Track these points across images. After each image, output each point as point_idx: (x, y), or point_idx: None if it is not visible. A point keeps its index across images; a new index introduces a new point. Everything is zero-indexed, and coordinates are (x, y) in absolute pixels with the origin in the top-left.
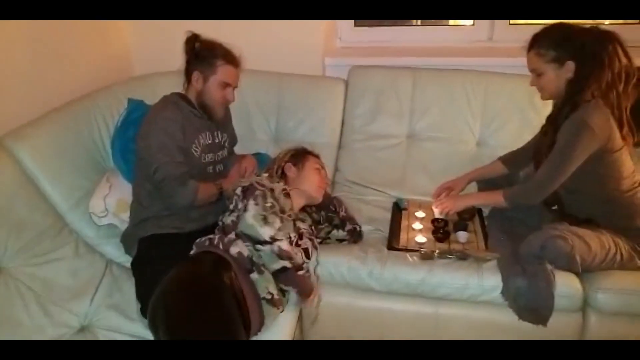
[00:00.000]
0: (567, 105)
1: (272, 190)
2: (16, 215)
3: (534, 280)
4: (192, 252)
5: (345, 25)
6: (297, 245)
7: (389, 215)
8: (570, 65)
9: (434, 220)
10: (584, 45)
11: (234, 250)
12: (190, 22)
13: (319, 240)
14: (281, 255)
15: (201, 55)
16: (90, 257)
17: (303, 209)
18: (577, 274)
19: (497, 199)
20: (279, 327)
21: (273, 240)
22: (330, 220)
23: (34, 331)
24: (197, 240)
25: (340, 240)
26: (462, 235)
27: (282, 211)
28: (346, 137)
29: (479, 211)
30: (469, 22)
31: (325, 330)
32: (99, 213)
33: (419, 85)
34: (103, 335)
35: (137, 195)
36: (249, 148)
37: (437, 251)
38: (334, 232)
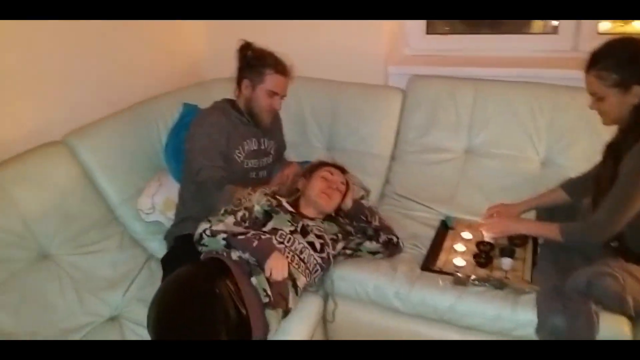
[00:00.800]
0: (631, 133)
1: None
2: (69, 206)
3: (574, 320)
4: (201, 257)
5: (416, 33)
6: (295, 232)
7: (433, 233)
8: (637, 90)
9: (480, 243)
10: None
11: (234, 254)
12: (260, 27)
13: (349, 252)
14: (213, 234)
15: (252, 63)
16: (132, 251)
17: (333, 220)
18: (630, 317)
19: (553, 232)
20: (291, 332)
21: (204, 230)
22: (363, 231)
23: (65, 316)
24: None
25: (374, 253)
26: (506, 262)
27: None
28: (399, 148)
29: (534, 238)
30: (551, 29)
31: None
32: (146, 210)
33: (481, 97)
34: (128, 328)
35: (181, 195)
36: (303, 154)
37: (472, 277)
38: (367, 244)
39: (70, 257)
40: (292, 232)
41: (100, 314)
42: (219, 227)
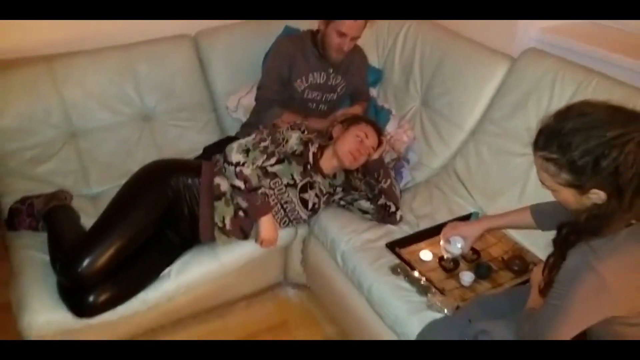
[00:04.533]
0: (584, 226)
1: (282, 136)
2: (176, 86)
3: None
4: (201, 157)
5: None
6: (293, 186)
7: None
8: (599, 194)
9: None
10: (618, 171)
11: (218, 179)
12: None
13: (342, 203)
14: (238, 176)
15: None
16: (210, 136)
17: (348, 172)
18: None
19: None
20: (235, 254)
21: (237, 164)
22: (370, 187)
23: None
24: (219, 154)
25: (364, 212)
26: (465, 277)
27: (282, 153)
28: (482, 125)
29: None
30: None
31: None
32: (232, 108)
33: (584, 87)
34: None
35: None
36: (399, 100)
37: (403, 268)
38: (362, 202)
39: (162, 124)
40: (287, 185)
41: None
42: (247, 172)
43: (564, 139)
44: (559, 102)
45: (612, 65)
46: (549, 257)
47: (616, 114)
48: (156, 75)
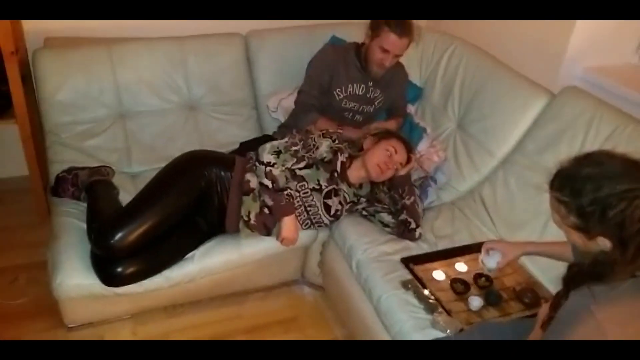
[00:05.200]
0: (588, 269)
1: (314, 142)
2: (222, 81)
3: None
4: (236, 151)
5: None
6: (318, 191)
7: (463, 242)
8: (604, 242)
9: (477, 276)
10: (624, 224)
11: (249, 176)
12: None
13: (365, 213)
14: (267, 175)
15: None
16: (248, 133)
17: (374, 184)
18: None
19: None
20: (256, 247)
21: (267, 164)
22: (394, 202)
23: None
24: (252, 152)
25: (384, 225)
26: (474, 302)
27: (312, 159)
28: (514, 155)
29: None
30: None
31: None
32: (272, 108)
33: (620, 132)
34: None
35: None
36: (436, 119)
37: (414, 285)
38: (384, 215)
39: (205, 115)
40: (313, 190)
41: None
42: (276, 173)
43: (577, 184)
44: (593, 143)
45: None
46: (557, 293)
47: (632, 168)
48: (205, 68)
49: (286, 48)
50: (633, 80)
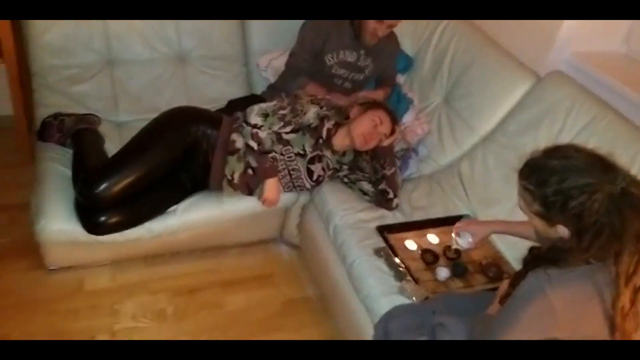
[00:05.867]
0: (546, 254)
1: (302, 108)
2: (213, 35)
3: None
4: (224, 109)
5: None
6: (302, 156)
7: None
8: (563, 230)
9: (447, 248)
10: (582, 215)
11: (234, 136)
12: None
13: (345, 180)
14: (254, 137)
15: None
16: (236, 90)
17: (357, 152)
18: None
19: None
20: (237, 205)
21: (254, 126)
22: (375, 171)
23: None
24: (240, 111)
25: (364, 193)
26: (441, 273)
27: (298, 124)
28: (495, 134)
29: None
30: None
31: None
32: (262, 67)
33: (597, 122)
34: None
35: None
36: (424, 92)
37: (386, 253)
38: (364, 184)
39: (194, 69)
40: (297, 154)
41: None
42: (262, 136)
43: (543, 175)
44: (570, 130)
45: (631, 104)
46: (517, 272)
47: (595, 163)
48: (197, 20)
49: None
50: (617, 69)
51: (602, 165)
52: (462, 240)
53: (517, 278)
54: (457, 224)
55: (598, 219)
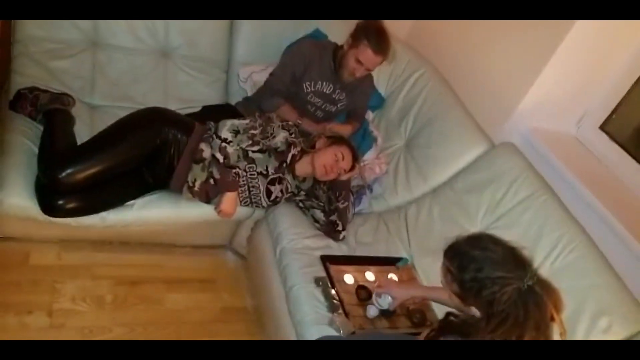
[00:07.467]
0: (457, 325)
1: (272, 131)
2: (198, 38)
3: None
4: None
5: (592, 118)
6: (264, 176)
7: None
8: (475, 312)
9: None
10: (493, 303)
11: (203, 145)
12: None
13: (300, 205)
14: (221, 150)
15: (360, 28)
16: (214, 93)
17: (316, 181)
18: None
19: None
20: (193, 210)
21: (224, 140)
22: (329, 202)
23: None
24: (213, 121)
25: (315, 221)
26: (371, 310)
27: (266, 146)
28: (444, 187)
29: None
30: None
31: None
32: (242, 77)
33: (534, 198)
34: None
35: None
36: (389, 133)
37: (325, 283)
38: (317, 212)
39: (176, 66)
40: (259, 173)
41: None
42: (230, 151)
43: (464, 261)
44: (511, 200)
45: (570, 187)
46: (431, 330)
47: (509, 258)
48: (188, 21)
49: (270, 23)
50: (564, 151)
51: (514, 261)
52: (382, 300)
53: (433, 337)
54: (379, 284)
55: (505, 309)
